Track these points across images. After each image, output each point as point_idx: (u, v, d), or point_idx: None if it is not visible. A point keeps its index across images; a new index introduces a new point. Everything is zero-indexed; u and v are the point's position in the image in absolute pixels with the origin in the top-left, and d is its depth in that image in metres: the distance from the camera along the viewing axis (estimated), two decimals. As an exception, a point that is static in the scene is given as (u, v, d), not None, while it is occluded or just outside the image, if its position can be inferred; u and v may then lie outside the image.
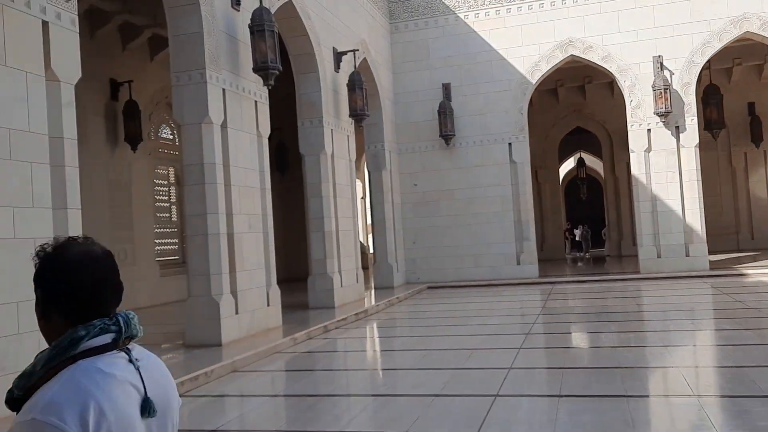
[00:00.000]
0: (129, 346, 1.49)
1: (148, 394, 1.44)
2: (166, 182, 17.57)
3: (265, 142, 10.65)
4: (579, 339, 9.47)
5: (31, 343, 5.87)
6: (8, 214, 5.76)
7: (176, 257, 17.83)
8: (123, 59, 15.14)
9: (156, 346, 9.96)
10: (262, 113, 10.57)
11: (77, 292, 1.45)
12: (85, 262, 1.47)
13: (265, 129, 10.66)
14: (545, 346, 9.03)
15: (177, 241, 17.95)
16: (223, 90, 9.40)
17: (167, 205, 17.64)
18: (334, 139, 13.61)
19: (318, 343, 9.88)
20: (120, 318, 1.47)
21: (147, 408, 1.43)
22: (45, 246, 1.49)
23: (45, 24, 6.26)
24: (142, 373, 1.45)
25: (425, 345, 9.11)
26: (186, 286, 17.11)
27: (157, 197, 17.03)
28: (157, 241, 16.75)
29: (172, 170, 17.81)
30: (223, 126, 9.42)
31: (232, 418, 6.00)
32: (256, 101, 10.38)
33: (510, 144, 17.42)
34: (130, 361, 1.46)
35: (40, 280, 1.48)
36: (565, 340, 9.45)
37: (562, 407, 5.51)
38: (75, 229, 6.52)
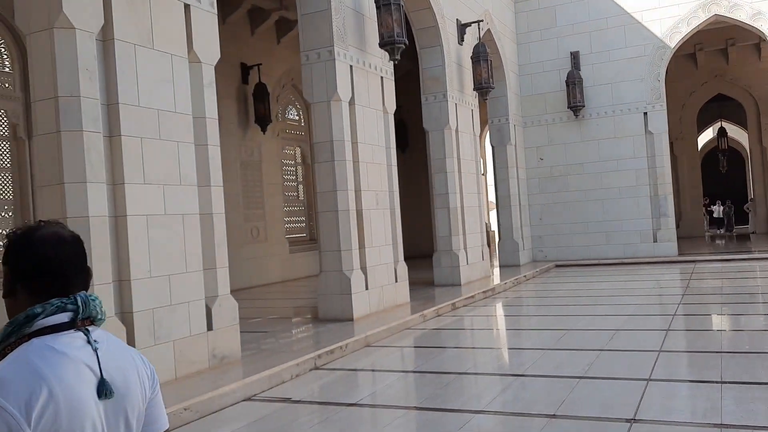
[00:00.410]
0: (89, 328, 1.45)
1: (104, 376, 1.40)
2: (293, 162, 18.07)
3: (391, 118, 10.59)
4: (732, 321, 8.70)
5: (182, 313, 6.17)
6: (159, 191, 6.03)
7: (303, 235, 18.36)
8: (252, 43, 15.63)
9: (287, 319, 10.27)
10: (388, 89, 10.50)
11: (41, 270, 1.44)
12: (51, 242, 1.47)
13: (391, 105, 10.58)
14: (696, 329, 8.37)
15: (304, 219, 18.47)
16: (351, 66, 9.41)
17: (294, 184, 18.16)
18: (459, 113, 13.34)
19: (447, 321, 9.75)
20: (79, 298, 1.45)
21: (102, 389, 1.39)
22: (17, 228, 1.50)
23: (187, 7, 6.46)
24: (99, 355, 1.41)
25: (561, 324, 8.72)
26: (314, 262, 17.72)
27: (285, 176, 17.55)
28: (286, 219, 17.30)
29: (298, 150, 18.29)
30: (351, 103, 9.44)
31: (370, 393, 6.00)
32: (381, 77, 10.32)
33: (645, 114, 16.32)
34: (89, 342, 1.42)
35: (7, 256, 1.47)
36: (716, 322, 8.72)
37: (727, 394, 5.02)
38: (217, 205, 6.75)
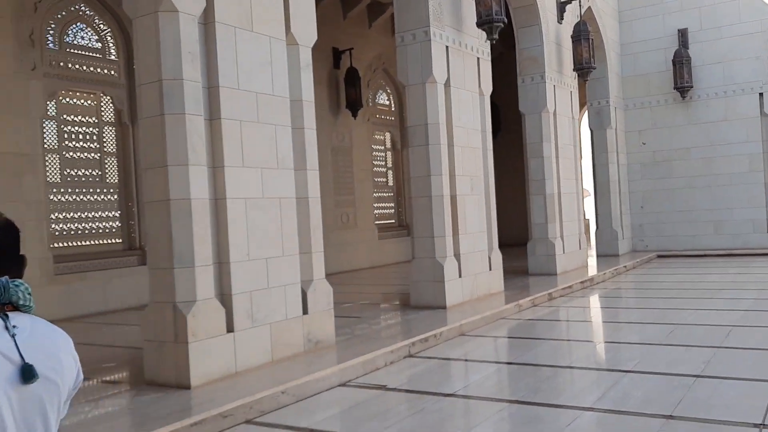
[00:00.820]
0: (9, 313, 1.39)
1: (26, 360, 1.35)
2: (382, 147, 18.00)
3: (487, 100, 10.25)
4: None
5: (278, 297, 6.18)
6: (257, 174, 6.03)
7: (392, 221, 18.30)
8: (344, 27, 15.61)
9: (378, 305, 10.20)
10: (484, 70, 10.16)
11: None
12: None
13: (487, 87, 10.24)
14: (825, 328, 7.63)
15: (393, 205, 18.41)
16: (446, 47, 9.14)
17: (384, 169, 18.09)
18: (557, 95, 12.79)
19: (543, 311, 9.39)
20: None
21: (24, 374, 1.34)
22: None
23: (285, -12, 6.41)
24: (17, 341, 1.36)
25: (668, 319, 8.18)
26: (402, 248, 17.65)
27: (375, 162, 17.51)
28: (375, 205, 17.29)
29: (388, 135, 18.20)
30: (447, 85, 9.18)
31: (466, 384, 5.80)
32: (478, 58, 9.99)
33: (761, 94, 15.11)
34: (6, 328, 1.37)
35: None
36: None
37: None
38: (313, 189, 6.71)
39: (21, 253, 1.52)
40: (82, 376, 1.54)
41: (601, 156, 15.75)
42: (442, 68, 9.01)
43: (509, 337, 7.95)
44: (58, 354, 1.45)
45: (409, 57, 8.94)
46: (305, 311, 6.54)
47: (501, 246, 10.58)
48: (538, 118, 12.42)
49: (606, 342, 7.74)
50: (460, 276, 9.23)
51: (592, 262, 14.55)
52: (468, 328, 8.01)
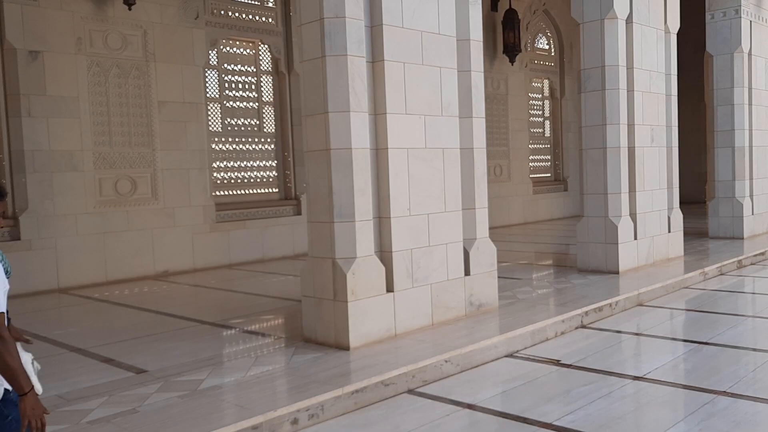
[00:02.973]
0: None
1: None
2: (539, 96, 16.85)
3: (674, 39, 8.95)
4: None
5: (439, 255, 5.71)
6: (419, 123, 5.52)
7: (548, 175, 17.23)
8: (504, -35, 14.50)
9: (539, 266, 9.50)
10: (672, 3, 8.84)
11: None
12: None
13: (674, 23, 8.93)
14: None
15: (549, 158, 17.29)
16: (630, -23, 7.99)
17: (540, 120, 16.98)
18: (753, 33, 11.03)
19: (732, 281, 8.22)
20: None
21: None
22: None
23: None
24: None
25: None
26: (558, 205, 16.60)
27: (531, 111, 16.44)
28: (531, 158, 16.30)
29: (546, 83, 16.99)
30: (628, 21, 8.07)
31: (656, 366, 5.00)
32: (665, -11, 8.70)
33: None
34: None
35: None
36: None
37: None
38: (479, 139, 6.09)
39: None
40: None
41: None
42: (624, 1, 7.89)
43: (697, 311, 6.95)
44: None
45: (585, -10, 7.91)
46: (467, 272, 6.03)
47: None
48: (729, 59, 10.80)
49: (821, 323, 6.52)
50: (635, 238, 8.27)
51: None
52: (647, 297, 7.12)
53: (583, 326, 6.17)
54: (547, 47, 16.79)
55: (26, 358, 2.65)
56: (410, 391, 4.50)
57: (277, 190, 11.23)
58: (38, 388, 2.46)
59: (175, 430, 3.54)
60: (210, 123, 10.23)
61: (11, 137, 8.15)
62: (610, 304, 6.58)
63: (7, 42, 8.07)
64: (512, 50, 14.51)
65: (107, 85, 8.90)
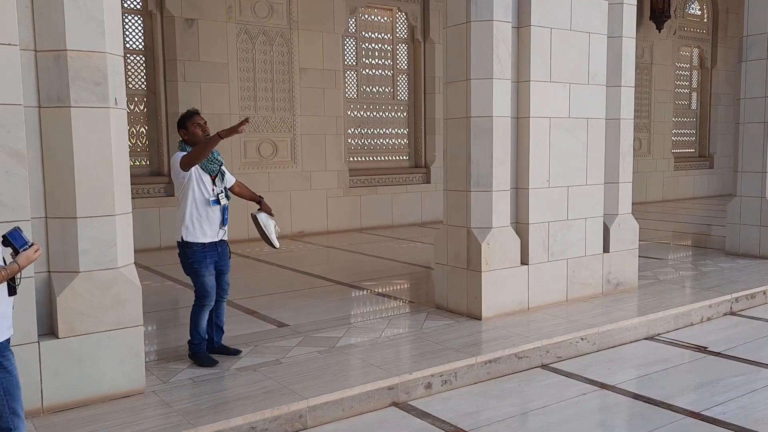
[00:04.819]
0: None
1: None
2: (687, 66, 15.67)
3: None
4: None
5: (578, 230, 5.53)
6: (564, 91, 5.31)
7: (692, 150, 16.09)
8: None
9: (678, 247, 8.95)
10: None
11: None
12: None
13: None
14: None
15: (694, 132, 16.12)
16: (810, -68, 7.15)
17: (687, 91, 15.82)
18: None
19: None
20: None
21: None
22: None
23: None
24: None
25: None
26: (701, 183, 15.51)
27: (677, 82, 15.34)
28: (673, 132, 15.28)
29: (695, 52, 15.76)
30: (804, -19, 7.26)
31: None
32: None
33: None
34: None
35: None
36: None
37: None
38: (627, 109, 5.79)
39: None
40: None
41: None
42: (800, -41, 7.12)
43: None
44: None
45: (755, -53, 7.20)
46: (606, 249, 5.80)
47: None
48: None
49: None
50: (794, 222, 7.56)
51: None
52: (805, 287, 6.51)
53: (732, 313, 5.76)
54: (699, 13, 15.53)
55: (271, 223, 4.12)
56: (544, 366, 4.43)
57: (407, 157, 11.32)
58: (276, 244, 4.06)
59: (317, 383, 3.71)
60: (347, 90, 10.44)
61: (168, 100, 8.76)
62: (765, 292, 6.09)
63: (167, 10, 8.63)
64: (660, 16, 13.53)
65: (254, 51, 9.30)
